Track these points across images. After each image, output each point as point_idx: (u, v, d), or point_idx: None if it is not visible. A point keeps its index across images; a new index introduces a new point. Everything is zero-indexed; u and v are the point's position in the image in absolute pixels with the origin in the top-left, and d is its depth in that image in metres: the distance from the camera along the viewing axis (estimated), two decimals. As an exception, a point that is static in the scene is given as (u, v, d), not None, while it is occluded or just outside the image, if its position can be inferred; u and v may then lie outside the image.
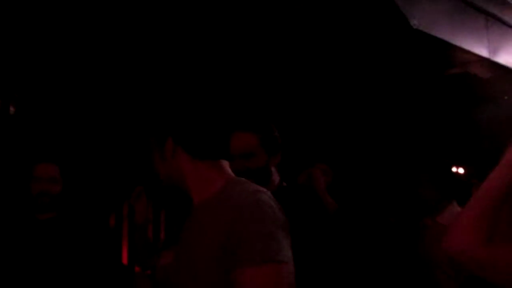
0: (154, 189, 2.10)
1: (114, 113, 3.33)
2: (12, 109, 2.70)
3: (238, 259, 1.22)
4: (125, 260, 3.44)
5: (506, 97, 4.17)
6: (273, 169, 1.94)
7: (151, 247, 2.19)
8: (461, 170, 5.16)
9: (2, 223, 2.25)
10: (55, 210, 2.30)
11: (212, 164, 1.42)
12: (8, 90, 2.71)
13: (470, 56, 3.51)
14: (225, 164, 1.44)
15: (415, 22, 3.04)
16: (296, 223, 1.42)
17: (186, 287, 1.34)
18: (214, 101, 1.42)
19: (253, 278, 1.21)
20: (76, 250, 2.25)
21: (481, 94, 3.93)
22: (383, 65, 3.66)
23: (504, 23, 3.64)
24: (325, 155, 3.23)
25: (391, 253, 2.69)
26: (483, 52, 3.53)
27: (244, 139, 1.89)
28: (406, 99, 4.03)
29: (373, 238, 2.69)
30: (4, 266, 2.15)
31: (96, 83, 3.17)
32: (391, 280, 2.71)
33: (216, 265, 1.26)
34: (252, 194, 1.32)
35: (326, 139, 4.03)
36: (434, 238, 2.23)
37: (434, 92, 3.99)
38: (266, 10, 3.00)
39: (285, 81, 3.77)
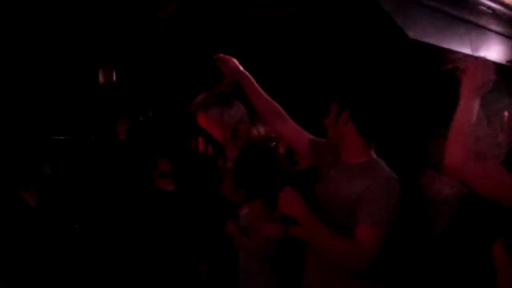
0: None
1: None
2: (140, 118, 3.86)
3: (360, 216, 1.59)
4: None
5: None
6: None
7: None
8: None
9: (145, 194, 3.23)
10: (174, 185, 3.32)
11: (367, 143, 1.73)
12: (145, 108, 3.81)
13: (457, 55, 4.17)
14: (373, 146, 1.76)
15: (410, 33, 3.72)
16: None
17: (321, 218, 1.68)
18: (387, 102, 1.72)
19: (361, 231, 1.58)
20: (188, 208, 3.27)
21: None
22: (392, 68, 4.31)
23: (482, 27, 4.31)
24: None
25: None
26: (467, 50, 4.17)
27: None
28: (412, 91, 4.51)
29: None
30: (146, 217, 3.16)
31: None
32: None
33: (346, 210, 1.63)
34: (385, 174, 1.66)
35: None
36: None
37: (433, 83, 4.43)
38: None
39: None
